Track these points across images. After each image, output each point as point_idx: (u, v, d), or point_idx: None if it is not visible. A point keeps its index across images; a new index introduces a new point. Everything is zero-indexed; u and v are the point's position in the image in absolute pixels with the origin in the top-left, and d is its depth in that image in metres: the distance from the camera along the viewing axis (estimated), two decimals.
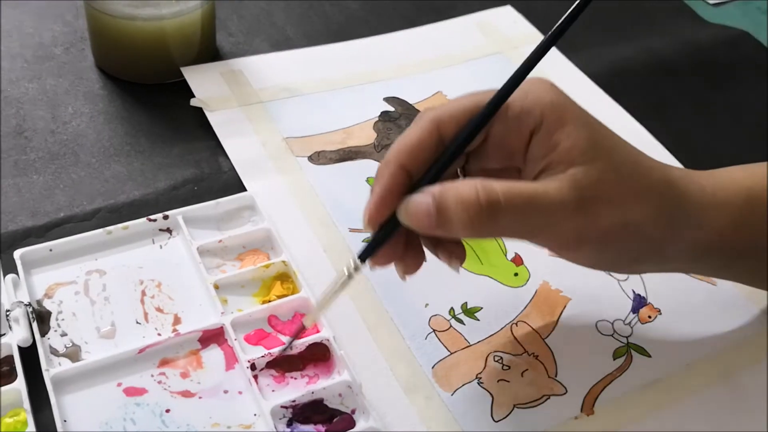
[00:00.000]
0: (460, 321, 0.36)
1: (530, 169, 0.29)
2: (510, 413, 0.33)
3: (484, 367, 0.34)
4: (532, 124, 0.29)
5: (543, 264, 0.39)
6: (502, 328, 0.36)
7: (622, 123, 0.48)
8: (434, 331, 0.35)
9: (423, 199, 0.27)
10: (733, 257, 0.32)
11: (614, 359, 0.35)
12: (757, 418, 0.34)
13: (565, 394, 0.34)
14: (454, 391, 0.33)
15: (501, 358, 0.35)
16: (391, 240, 0.29)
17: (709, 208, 0.31)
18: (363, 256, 0.29)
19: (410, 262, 0.30)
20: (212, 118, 0.44)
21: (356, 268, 0.29)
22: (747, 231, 0.31)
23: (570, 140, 0.28)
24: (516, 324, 0.36)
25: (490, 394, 0.33)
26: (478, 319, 0.36)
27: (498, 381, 0.34)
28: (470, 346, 0.35)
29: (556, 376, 0.34)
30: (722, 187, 0.32)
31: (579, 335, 0.36)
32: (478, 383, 0.34)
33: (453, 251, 0.31)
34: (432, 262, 0.38)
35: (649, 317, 0.37)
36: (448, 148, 0.29)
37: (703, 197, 0.31)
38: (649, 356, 0.36)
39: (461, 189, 0.27)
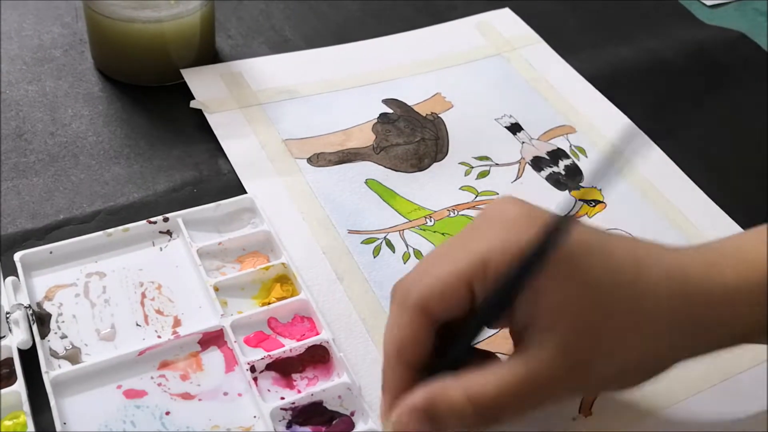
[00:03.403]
0: None
1: (518, 324, 0.27)
2: None
3: None
4: None
5: None
6: (500, 329, 0.36)
7: (620, 125, 0.48)
8: None
9: (412, 414, 0.26)
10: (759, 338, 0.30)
11: None
12: (757, 420, 0.34)
13: None
14: None
15: (499, 359, 0.35)
16: None
17: (735, 306, 0.28)
18: None
19: None
20: (212, 119, 0.44)
21: None
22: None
23: (554, 292, 0.26)
24: None
25: None
26: None
27: None
28: None
29: None
30: (749, 273, 0.28)
31: None
32: None
33: None
34: None
35: None
36: (458, 346, 0.27)
37: (726, 297, 0.28)
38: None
39: (453, 400, 0.26)
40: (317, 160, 0.43)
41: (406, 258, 0.39)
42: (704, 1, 0.59)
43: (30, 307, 0.34)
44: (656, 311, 0.27)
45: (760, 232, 0.30)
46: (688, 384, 0.35)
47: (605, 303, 0.26)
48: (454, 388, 0.26)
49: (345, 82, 0.48)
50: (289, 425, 0.31)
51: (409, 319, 0.27)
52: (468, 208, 0.42)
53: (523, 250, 0.26)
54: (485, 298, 0.27)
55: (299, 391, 0.33)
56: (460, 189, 0.43)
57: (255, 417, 0.32)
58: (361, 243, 0.39)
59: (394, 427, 0.27)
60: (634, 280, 0.27)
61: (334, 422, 0.32)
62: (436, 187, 0.43)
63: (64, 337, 0.33)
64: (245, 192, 0.40)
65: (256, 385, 0.32)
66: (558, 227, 0.25)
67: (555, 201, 0.43)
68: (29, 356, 0.32)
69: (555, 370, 0.26)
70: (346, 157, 0.44)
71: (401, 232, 0.40)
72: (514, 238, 0.26)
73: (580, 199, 0.43)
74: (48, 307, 0.34)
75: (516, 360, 0.26)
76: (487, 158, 0.45)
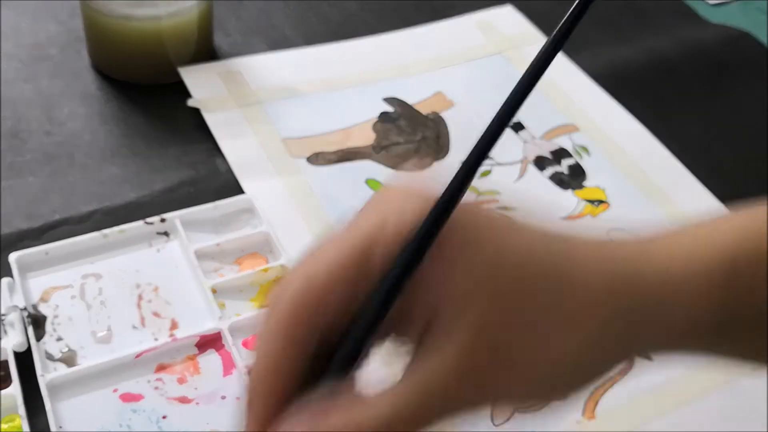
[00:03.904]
0: None
1: (415, 330, 0.21)
2: (510, 417, 0.32)
3: None
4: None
5: None
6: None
7: (623, 123, 0.47)
8: None
9: None
10: (721, 333, 0.25)
11: None
12: (759, 422, 0.33)
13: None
14: None
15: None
16: None
17: (675, 294, 0.24)
18: None
19: None
20: (210, 119, 0.44)
21: None
22: (737, 300, 0.24)
23: (458, 284, 0.21)
24: None
25: None
26: None
27: None
28: None
29: None
30: (698, 258, 0.24)
31: None
32: None
33: None
34: None
35: None
36: (344, 349, 0.21)
37: (667, 283, 0.24)
38: (651, 360, 0.35)
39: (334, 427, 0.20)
40: (317, 159, 0.43)
41: None
42: (707, 0, 0.59)
43: (26, 309, 0.33)
44: (587, 299, 0.22)
45: (721, 219, 0.26)
46: (690, 387, 0.34)
47: (524, 289, 0.21)
48: (336, 418, 0.20)
49: (345, 80, 0.48)
50: None
51: (281, 326, 0.21)
52: None
53: (413, 223, 0.20)
54: (381, 276, 0.20)
55: None
56: None
57: None
58: None
59: None
60: (561, 271, 0.22)
61: None
62: None
63: (59, 339, 0.33)
64: (243, 192, 0.40)
65: None
66: (451, 197, 0.21)
67: (558, 200, 0.42)
68: (25, 359, 0.32)
69: (448, 380, 0.20)
70: (346, 156, 0.43)
71: None
72: (399, 215, 0.21)
73: (583, 199, 0.43)
74: (44, 308, 0.34)
75: (404, 377, 0.21)
76: (488, 157, 0.44)
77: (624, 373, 0.35)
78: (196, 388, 0.32)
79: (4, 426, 0.30)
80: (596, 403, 0.33)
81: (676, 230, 0.26)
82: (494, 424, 0.32)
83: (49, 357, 0.32)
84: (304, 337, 0.21)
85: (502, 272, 0.21)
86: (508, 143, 0.45)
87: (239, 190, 0.40)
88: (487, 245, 0.21)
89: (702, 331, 0.25)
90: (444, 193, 0.21)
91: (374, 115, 0.46)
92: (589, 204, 0.42)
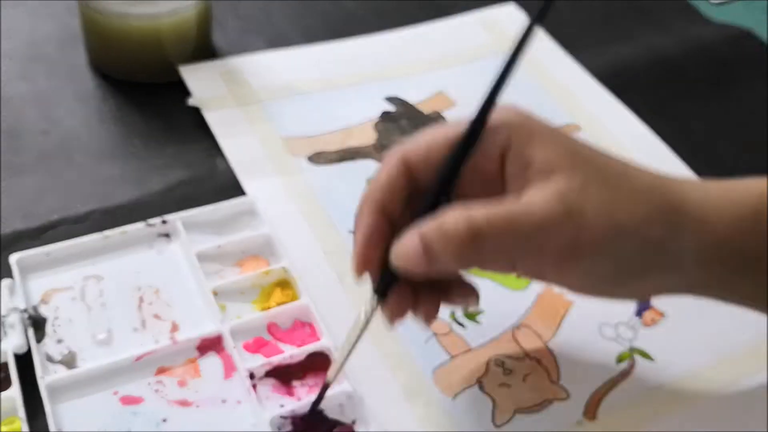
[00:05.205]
0: (461, 324, 0.36)
1: (511, 190, 0.28)
2: (511, 418, 0.33)
3: (486, 372, 0.34)
4: (501, 145, 0.28)
5: None
6: (503, 332, 0.36)
7: (626, 122, 0.47)
8: (435, 334, 0.35)
9: (409, 240, 0.27)
10: (740, 266, 0.30)
11: (617, 363, 0.35)
12: (759, 423, 0.33)
13: (567, 399, 0.33)
14: (455, 396, 0.33)
15: (503, 362, 0.34)
16: (398, 287, 0.29)
17: (713, 211, 0.29)
18: (379, 291, 0.29)
19: (426, 309, 0.30)
20: (210, 117, 0.43)
21: (373, 308, 0.29)
22: (757, 237, 0.30)
23: (545, 151, 0.28)
24: (518, 328, 0.36)
25: (492, 398, 0.33)
26: (480, 323, 0.36)
27: (499, 385, 0.33)
28: (471, 350, 0.35)
29: (558, 380, 0.34)
30: (730, 191, 0.30)
31: (582, 339, 0.36)
32: (480, 388, 0.33)
33: (464, 293, 0.31)
34: None
35: (653, 320, 0.37)
36: (430, 189, 0.28)
37: (706, 200, 0.30)
38: (653, 360, 0.35)
39: (443, 222, 0.27)
40: (318, 158, 0.43)
41: None
42: (710, 0, 0.59)
43: (26, 310, 0.33)
44: (641, 190, 0.29)
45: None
46: (693, 389, 0.34)
47: (597, 168, 0.28)
48: (447, 215, 0.27)
49: (346, 79, 0.48)
50: None
51: (388, 168, 0.29)
52: None
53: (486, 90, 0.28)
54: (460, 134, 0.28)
55: (299, 399, 0.32)
56: None
57: (254, 425, 0.31)
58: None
59: (395, 259, 0.28)
60: (622, 165, 0.29)
61: (334, 431, 0.31)
62: None
63: (60, 341, 0.33)
64: (242, 191, 0.40)
65: (255, 392, 0.32)
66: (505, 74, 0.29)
67: None
68: (25, 361, 0.32)
69: (548, 208, 0.27)
70: (347, 155, 0.43)
71: None
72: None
73: None
74: (44, 310, 0.34)
75: (511, 198, 0.27)
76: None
77: (626, 375, 0.35)
78: (196, 391, 0.32)
79: (3, 428, 0.30)
80: (598, 404, 0.33)
81: (714, 180, 0.32)
82: (495, 425, 0.32)
83: (49, 359, 0.32)
84: (407, 175, 0.29)
85: (580, 154, 0.28)
86: None
87: (238, 190, 0.40)
88: (560, 135, 0.28)
89: (731, 255, 0.29)
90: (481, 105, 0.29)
91: (375, 114, 0.46)
92: None
